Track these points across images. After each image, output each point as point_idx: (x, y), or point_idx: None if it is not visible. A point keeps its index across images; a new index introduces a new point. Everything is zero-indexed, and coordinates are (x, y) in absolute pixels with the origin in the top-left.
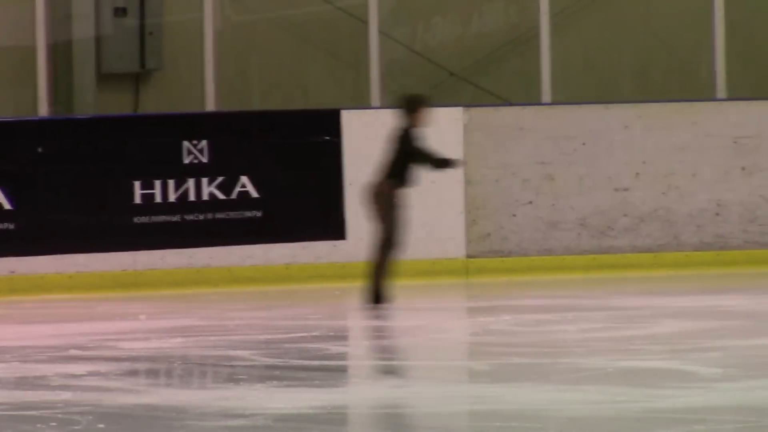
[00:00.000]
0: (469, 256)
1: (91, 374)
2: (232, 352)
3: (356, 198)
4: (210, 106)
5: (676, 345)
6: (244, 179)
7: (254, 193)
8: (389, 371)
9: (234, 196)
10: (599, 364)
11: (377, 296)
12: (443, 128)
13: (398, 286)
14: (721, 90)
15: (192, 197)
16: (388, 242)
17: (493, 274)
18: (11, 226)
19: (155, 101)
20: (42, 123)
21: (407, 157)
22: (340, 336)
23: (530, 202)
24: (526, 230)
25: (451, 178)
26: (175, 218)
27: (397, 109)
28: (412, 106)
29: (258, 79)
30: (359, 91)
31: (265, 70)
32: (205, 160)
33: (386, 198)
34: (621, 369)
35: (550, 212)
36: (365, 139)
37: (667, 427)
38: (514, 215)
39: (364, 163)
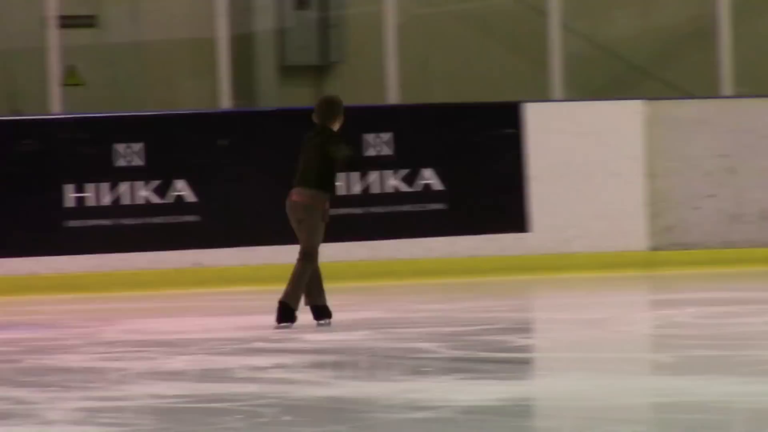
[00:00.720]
0: (651, 249)
1: (276, 367)
2: (417, 345)
3: (540, 191)
4: (391, 98)
5: None
6: (427, 172)
7: (438, 186)
8: (572, 364)
9: (417, 188)
10: None
11: (318, 311)
12: (623, 121)
13: (581, 279)
14: None
15: (376, 190)
16: (309, 255)
17: (675, 266)
18: (195, 219)
19: (337, 94)
20: (225, 115)
21: (333, 162)
22: (525, 328)
23: (713, 195)
24: (709, 222)
25: (633, 171)
26: (359, 210)
27: (315, 111)
28: (333, 108)
29: (439, 72)
30: (540, 84)
31: (445, 63)
32: (388, 152)
33: (315, 210)
34: None
35: (733, 205)
36: (547, 132)
37: None
38: (697, 208)
39: (545, 155)
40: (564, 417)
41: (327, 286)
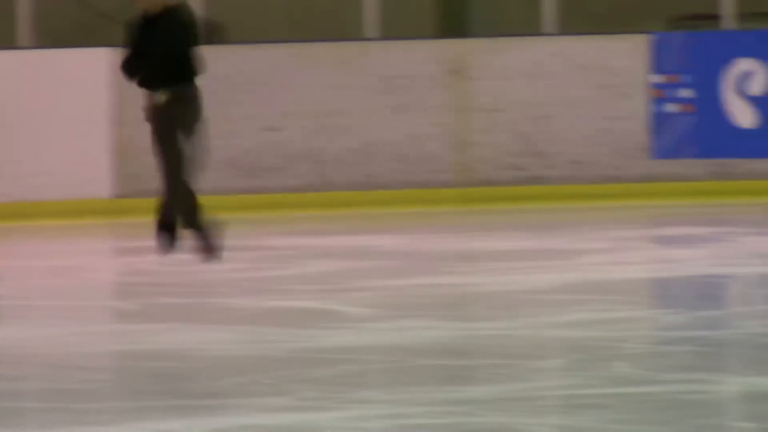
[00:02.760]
0: (117, 196)
1: None
2: None
3: (6, 139)
4: None
5: (325, 285)
6: None
7: None
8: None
9: None
10: (248, 304)
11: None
12: (89, 69)
13: (49, 227)
14: (372, 30)
15: None
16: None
17: (140, 214)
18: None
19: None
20: None
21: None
22: None
23: None
24: None
25: (99, 119)
26: None
27: None
28: None
29: None
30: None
31: None
32: None
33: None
34: (270, 309)
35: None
36: (13, 79)
37: (316, 366)
38: None
39: (10, 102)
40: (27, 364)
41: None
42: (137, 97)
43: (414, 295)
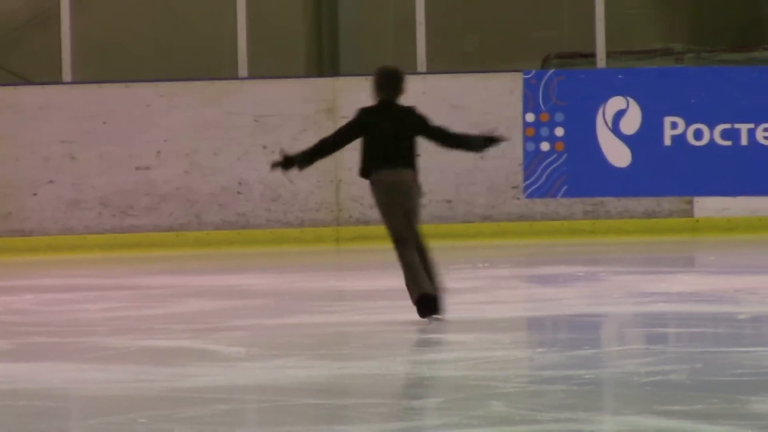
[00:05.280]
0: None
1: None
2: None
3: None
4: None
5: (199, 324)
6: None
7: None
8: None
9: None
10: (122, 343)
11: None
12: None
13: None
14: (243, 68)
15: None
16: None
17: (14, 253)
18: None
19: None
20: None
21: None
22: None
23: (51, 181)
24: (48, 209)
25: None
26: None
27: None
28: (401, 78)
29: None
30: None
31: None
32: None
33: (418, 190)
34: (144, 348)
35: (72, 191)
36: None
37: (191, 405)
38: (35, 194)
39: None
40: None
41: None
42: (12, 135)
43: (287, 335)
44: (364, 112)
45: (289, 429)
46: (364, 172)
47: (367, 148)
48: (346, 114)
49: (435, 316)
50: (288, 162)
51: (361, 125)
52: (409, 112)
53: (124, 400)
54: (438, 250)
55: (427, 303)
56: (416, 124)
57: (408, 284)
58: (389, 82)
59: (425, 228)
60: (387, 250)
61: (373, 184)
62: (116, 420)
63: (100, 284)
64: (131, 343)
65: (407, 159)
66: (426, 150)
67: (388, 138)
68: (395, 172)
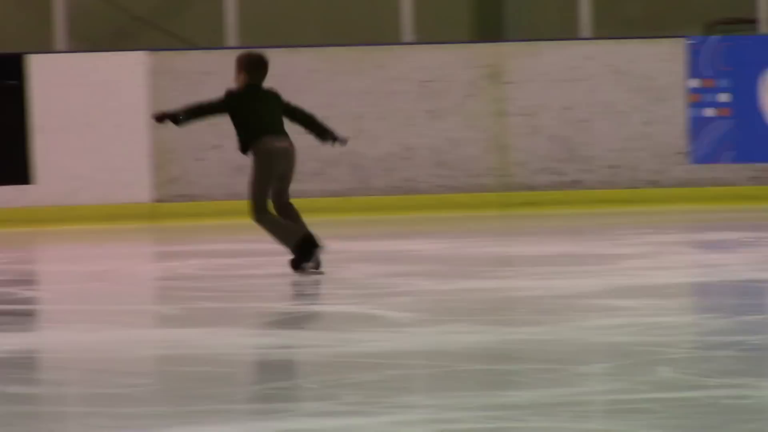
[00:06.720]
0: (155, 200)
1: None
2: None
3: (45, 143)
4: None
5: (365, 289)
6: None
7: None
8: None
9: None
10: (288, 309)
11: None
12: (126, 73)
13: (87, 231)
14: (407, 34)
15: None
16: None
17: (179, 218)
18: None
19: None
20: None
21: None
22: (29, 280)
23: (217, 146)
24: (213, 174)
25: (136, 122)
26: None
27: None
28: (266, 63)
29: None
30: (44, 36)
31: None
32: None
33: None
34: (312, 313)
35: (238, 156)
36: (50, 84)
37: (359, 370)
38: (201, 159)
39: (49, 107)
40: (69, 369)
41: None
42: (173, 99)
43: (454, 300)
44: (231, 97)
45: (458, 395)
46: (244, 147)
47: (243, 125)
48: (510, 79)
49: (318, 251)
50: (170, 117)
51: (228, 107)
52: (275, 95)
53: (291, 365)
54: (603, 215)
55: (311, 240)
56: (281, 105)
57: (282, 239)
58: (256, 67)
59: (592, 194)
60: (554, 216)
61: (257, 152)
62: (283, 385)
63: (266, 249)
64: (297, 308)
65: (283, 128)
66: (590, 116)
67: (259, 113)
68: (279, 138)
